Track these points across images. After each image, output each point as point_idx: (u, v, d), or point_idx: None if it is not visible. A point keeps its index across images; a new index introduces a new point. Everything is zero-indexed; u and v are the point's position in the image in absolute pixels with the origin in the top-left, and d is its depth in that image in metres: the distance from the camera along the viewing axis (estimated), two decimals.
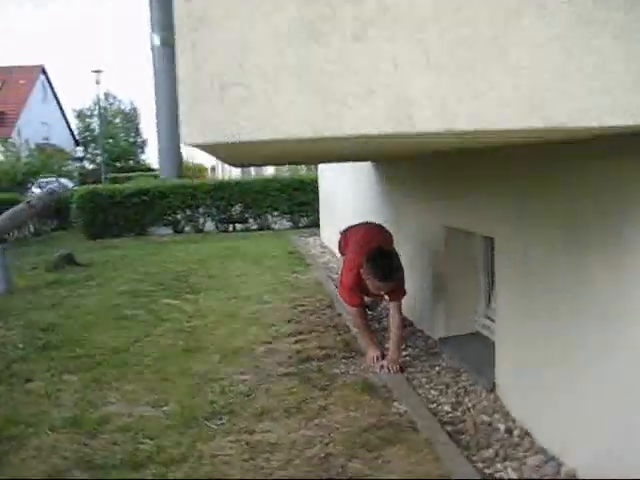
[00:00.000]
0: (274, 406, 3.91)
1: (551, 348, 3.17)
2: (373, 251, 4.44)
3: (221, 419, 3.77)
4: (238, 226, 15.69)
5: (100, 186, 17.01)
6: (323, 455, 3.21)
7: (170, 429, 3.62)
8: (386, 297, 4.93)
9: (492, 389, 4.04)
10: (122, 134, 45.26)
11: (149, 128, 70.99)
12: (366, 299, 5.32)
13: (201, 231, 15.46)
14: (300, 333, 5.56)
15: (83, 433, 3.59)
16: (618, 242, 2.53)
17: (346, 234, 5.30)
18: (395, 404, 3.90)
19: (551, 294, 3.15)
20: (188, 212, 15.45)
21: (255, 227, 15.61)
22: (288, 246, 11.69)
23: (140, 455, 3.27)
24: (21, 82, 38.09)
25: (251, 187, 15.38)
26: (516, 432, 3.52)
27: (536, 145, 3.17)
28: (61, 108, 42.40)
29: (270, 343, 5.33)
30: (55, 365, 4.88)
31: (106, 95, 44.80)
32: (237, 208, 15.54)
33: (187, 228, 15.60)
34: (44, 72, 39.66)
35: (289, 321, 6.03)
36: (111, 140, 44.21)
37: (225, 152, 2.35)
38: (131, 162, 45.32)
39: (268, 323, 5.97)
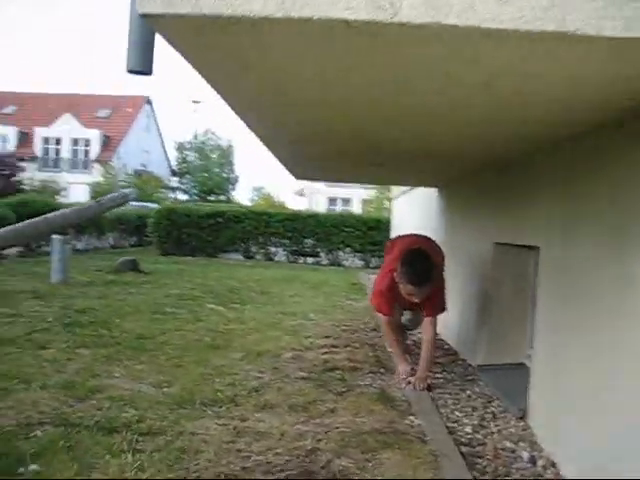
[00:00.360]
0: (279, 402, 3.62)
1: (587, 376, 2.75)
2: (409, 252, 4.12)
3: (220, 407, 3.50)
4: (309, 259, 15.56)
5: (178, 205, 17.36)
6: (310, 448, 2.89)
7: (161, 405, 3.38)
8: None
9: (522, 417, 3.61)
10: (217, 169, 46.47)
11: (243, 164, 73.23)
12: (404, 317, 4.97)
13: (271, 260, 15.43)
14: (334, 347, 5.26)
15: (72, 396, 3.42)
16: None
17: (394, 241, 5.00)
18: (410, 417, 3.52)
19: (592, 311, 2.74)
20: (261, 239, 15.47)
21: (326, 262, 15.43)
22: (352, 279, 11.43)
23: (118, 422, 3.05)
24: (128, 110, 40.07)
25: (325, 221, 15.27)
26: (541, 462, 3.09)
27: (570, 140, 2.85)
28: (161, 138, 44.24)
29: (300, 351, 5.05)
30: (74, 339, 4.79)
31: (206, 131, 46.36)
32: (309, 241, 15.44)
33: (258, 256, 15.60)
34: (149, 102, 41.61)
35: (327, 336, 5.73)
36: (206, 174, 45.45)
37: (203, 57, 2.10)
38: (222, 197, 46.35)
39: (305, 335, 5.70)
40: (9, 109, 39.26)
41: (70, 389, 3.53)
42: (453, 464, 2.88)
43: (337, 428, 3.20)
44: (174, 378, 3.98)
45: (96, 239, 16.29)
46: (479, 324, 4.81)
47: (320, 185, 41.62)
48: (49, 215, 8.87)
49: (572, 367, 2.95)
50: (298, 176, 6.95)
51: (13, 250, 10.78)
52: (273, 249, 15.57)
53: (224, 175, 46.86)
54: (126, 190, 10.85)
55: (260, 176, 55.58)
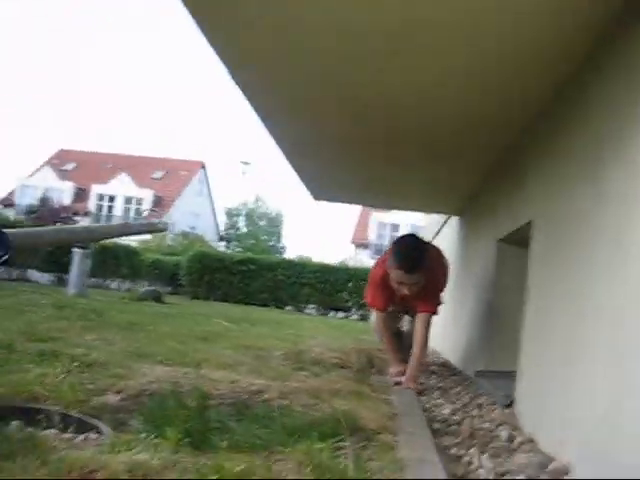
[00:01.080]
0: (245, 370, 3.39)
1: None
2: (400, 237, 3.90)
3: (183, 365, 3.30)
4: (340, 314, 15.24)
5: (210, 250, 17.45)
6: (255, 390, 2.67)
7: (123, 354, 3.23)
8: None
9: (509, 405, 3.29)
10: (265, 237, 47.00)
11: (291, 234, 73.47)
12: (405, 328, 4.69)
13: (301, 312, 15.18)
14: (329, 350, 4.98)
15: None
16: None
17: None
18: (385, 395, 3.24)
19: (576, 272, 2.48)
20: (291, 290, 15.25)
21: (355, 317, 15.11)
22: None
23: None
24: (182, 174, 41.18)
25: (360, 274, 14.90)
26: (519, 439, 2.78)
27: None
28: (212, 203, 45.15)
29: (291, 351, 4.78)
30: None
31: (256, 198, 47.30)
32: (343, 295, 15.10)
33: (288, 307, 15.40)
34: (203, 168, 42.81)
35: (328, 348, 5.44)
36: (253, 241, 45.97)
37: None
38: None
39: (304, 343, 5.44)
40: (70, 166, 40.89)
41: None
42: (411, 420, 2.61)
43: (295, 386, 2.96)
44: (137, 342, 3.82)
45: (130, 283, 16.44)
46: (483, 329, 4.52)
47: (364, 256, 41.62)
48: (72, 226, 8.95)
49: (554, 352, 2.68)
50: (317, 195, 6.83)
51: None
52: (304, 300, 15.33)
53: (270, 244, 47.34)
54: (154, 220, 10.92)
55: (308, 247, 55.90)
